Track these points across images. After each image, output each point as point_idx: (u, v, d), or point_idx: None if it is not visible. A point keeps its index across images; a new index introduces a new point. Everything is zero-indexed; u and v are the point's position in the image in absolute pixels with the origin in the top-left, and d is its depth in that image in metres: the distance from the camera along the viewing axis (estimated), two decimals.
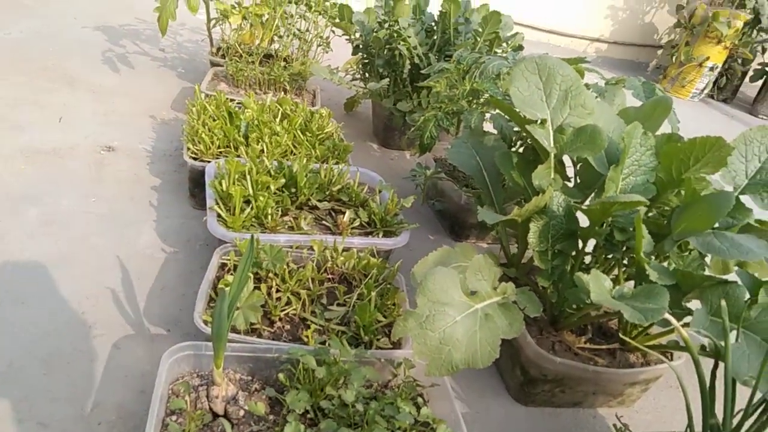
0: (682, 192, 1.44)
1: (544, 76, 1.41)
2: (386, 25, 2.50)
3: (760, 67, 5.16)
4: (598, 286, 1.15)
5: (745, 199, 1.49)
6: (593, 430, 1.51)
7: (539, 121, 1.40)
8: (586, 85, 1.96)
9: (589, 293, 1.13)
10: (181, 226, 1.88)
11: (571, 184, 1.61)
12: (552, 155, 1.42)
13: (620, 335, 1.54)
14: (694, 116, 4.78)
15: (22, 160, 2.01)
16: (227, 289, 1.04)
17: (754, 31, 4.98)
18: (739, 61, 5.14)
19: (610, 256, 1.50)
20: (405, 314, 1.10)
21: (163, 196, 2.01)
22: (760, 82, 5.26)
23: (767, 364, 1.04)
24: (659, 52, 5.68)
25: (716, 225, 1.49)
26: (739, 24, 4.82)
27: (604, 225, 1.44)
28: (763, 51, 5.21)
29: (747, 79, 5.26)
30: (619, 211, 1.39)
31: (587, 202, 1.52)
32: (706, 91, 5.18)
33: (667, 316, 1.08)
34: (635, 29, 5.56)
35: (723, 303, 1.05)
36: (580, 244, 1.44)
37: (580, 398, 1.52)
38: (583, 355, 1.46)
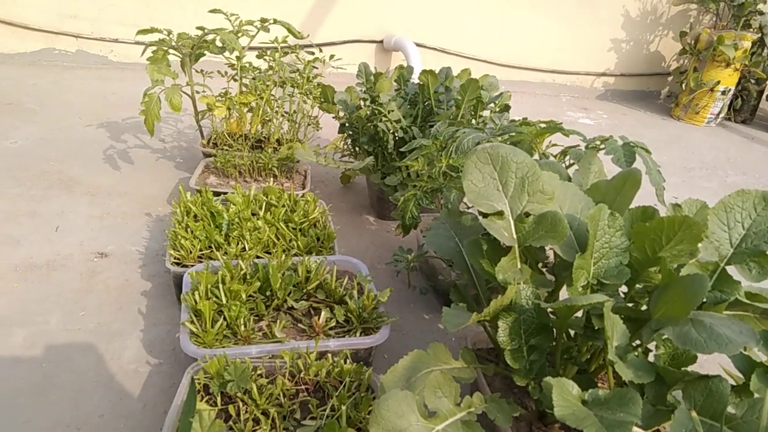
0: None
1: (498, 166, 1.37)
2: (367, 102, 2.51)
3: None
4: (563, 397, 1.07)
5: (733, 270, 1.41)
6: None
7: (498, 213, 1.35)
8: (564, 150, 1.92)
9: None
10: (167, 333, 1.87)
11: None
12: (516, 246, 1.36)
13: None
14: (711, 143, 4.63)
15: (15, 278, 2.05)
16: None
17: (764, 50, 4.84)
18: (753, 80, 4.99)
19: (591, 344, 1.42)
20: None
21: (152, 302, 2.01)
22: None
23: None
24: (669, 79, 5.57)
25: (704, 301, 1.42)
26: (747, 44, 4.70)
27: (581, 314, 1.37)
28: None
29: (764, 98, 5.10)
30: None
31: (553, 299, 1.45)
32: (721, 116, 5.03)
33: (637, 429, 1.00)
34: (641, 59, 5.47)
35: (694, 414, 0.96)
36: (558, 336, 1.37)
37: None
38: None
